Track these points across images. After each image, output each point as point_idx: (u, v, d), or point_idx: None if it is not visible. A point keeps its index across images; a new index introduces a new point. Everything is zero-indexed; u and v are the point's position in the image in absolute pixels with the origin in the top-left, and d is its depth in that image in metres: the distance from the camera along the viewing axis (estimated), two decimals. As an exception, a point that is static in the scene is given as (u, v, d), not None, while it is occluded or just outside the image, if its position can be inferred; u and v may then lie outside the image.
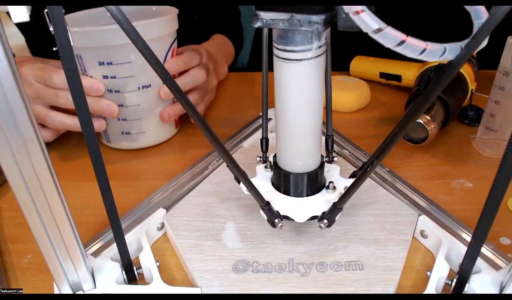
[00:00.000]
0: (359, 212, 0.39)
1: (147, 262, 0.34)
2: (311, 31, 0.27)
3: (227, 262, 0.35)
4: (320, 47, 0.28)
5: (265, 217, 0.34)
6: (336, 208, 0.33)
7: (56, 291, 0.30)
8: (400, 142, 0.51)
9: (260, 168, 0.37)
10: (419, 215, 0.38)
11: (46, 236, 0.27)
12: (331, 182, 0.34)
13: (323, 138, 0.39)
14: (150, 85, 0.49)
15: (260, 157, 0.38)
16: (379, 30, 0.22)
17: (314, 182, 0.34)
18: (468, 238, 0.35)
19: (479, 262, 0.33)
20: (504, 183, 0.25)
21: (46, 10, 0.22)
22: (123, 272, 0.33)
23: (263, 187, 0.35)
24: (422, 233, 0.38)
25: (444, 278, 0.32)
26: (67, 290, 0.30)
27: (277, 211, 0.34)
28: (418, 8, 0.74)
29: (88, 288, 0.31)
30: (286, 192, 0.34)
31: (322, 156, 0.35)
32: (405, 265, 0.35)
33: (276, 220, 0.33)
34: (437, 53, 0.22)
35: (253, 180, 0.34)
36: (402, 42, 0.22)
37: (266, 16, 0.26)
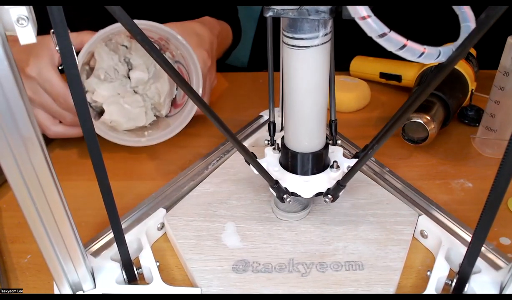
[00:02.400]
0: (359, 212, 0.39)
1: (147, 262, 0.34)
2: (318, 20, 0.29)
3: (227, 262, 0.35)
4: (326, 34, 0.30)
5: (274, 194, 0.36)
6: (339, 185, 0.35)
7: (56, 291, 0.30)
8: (400, 142, 0.51)
9: (269, 150, 0.39)
10: (419, 215, 0.38)
11: (46, 236, 0.27)
12: (335, 161, 0.36)
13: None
14: None
15: (268, 140, 0.41)
16: (383, 35, 0.23)
17: (319, 161, 0.36)
18: (468, 238, 0.35)
19: (479, 262, 0.33)
20: (504, 183, 0.25)
21: (52, 31, 0.22)
22: (123, 272, 0.33)
23: (272, 167, 0.37)
24: (422, 233, 0.38)
25: (444, 278, 0.32)
26: (67, 290, 0.30)
27: (285, 188, 0.36)
28: (410, 8, 0.74)
29: (88, 288, 0.31)
30: (294, 171, 0.36)
31: (326, 137, 0.37)
32: (405, 265, 0.35)
33: (285, 196, 0.36)
34: (433, 56, 0.24)
35: (261, 161, 0.36)
36: (404, 46, 0.23)
37: (276, 6, 0.28)
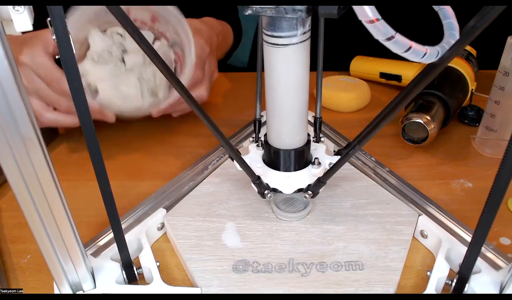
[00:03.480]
0: (359, 212, 0.39)
1: (147, 262, 0.34)
2: (296, 18, 0.29)
3: (227, 262, 0.35)
4: (304, 33, 0.31)
5: (256, 189, 0.37)
6: (320, 182, 0.36)
7: (56, 291, 0.30)
8: (400, 142, 0.51)
9: (252, 147, 0.40)
10: (419, 215, 0.38)
11: (46, 236, 0.27)
12: (316, 158, 0.37)
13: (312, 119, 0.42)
14: None
15: (253, 137, 0.41)
16: (391, 38, 0.23)
17: (301, 158, 0.37)
18: (468, 238, 0.35)
19: (479, 262, 0.33)
20: (504, 183, 0.25)
21: (48, 19, 0.22)
22: (123, 272, 0.33)
23: (255, 163, 0.38)
24: (422, 233, 0.38)
25: (444, 278, 0.32)
26: (67, 290, 0.30)
27: (267, 184, 0.37)
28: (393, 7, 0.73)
29: (88, 288, 0.31)
30: (276, 168, 0.37)
31: (308, 134, 0.37)
32: (405, 265, 0.35)
33: (266, 192, 0.36)
34: (433, 55, 0.24)
35: (245, 158, 0.37)
36: (409, 48, 0.23)
37: (255, 4, 0.29)
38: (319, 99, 0.40)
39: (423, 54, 0.23)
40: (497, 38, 0.50)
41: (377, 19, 0.22)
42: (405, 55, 0.23)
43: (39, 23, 0.25)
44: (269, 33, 0.31)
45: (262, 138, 0.39)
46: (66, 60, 0.24)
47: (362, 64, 0.71)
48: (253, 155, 0.39)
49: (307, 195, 0.36)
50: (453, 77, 0.55)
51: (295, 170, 0.37)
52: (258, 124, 0.42)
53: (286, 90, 0.33)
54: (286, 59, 0.32)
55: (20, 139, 0.23)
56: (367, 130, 0.32)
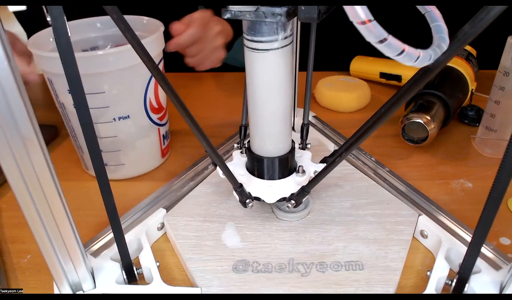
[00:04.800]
0: (359, 212, 0.39)
1: (147, 262, 0.34)
2: (276, 23, 0.28)
3: (227, 262, 0.35)
4: (285, 38, 0.30)
5: (237, 198, 0.36)
6: (303, 191, 0.34)
7: (56, 291, 0.30)
8: (400, 142, 0.51)
9: (237, 153, 0.39)
10: (419, 215, 0.38)
11: (46, 236, 0.27)
12: (300, 166, 0.36)
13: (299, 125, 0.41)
14: (128, 116, 0.44)
15: (238, 144, 0.40)
16: (384, 40, 0.22)
17: (284, 166, 0.36)
18: (468, 238, 0.35)
19: (479, 262, 0.33)
20: (504, 183, 0.25)
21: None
22: (123, 272, 0.33)
23: (238, 171, 0.37)
24: (422, 233, 0.38)
25: (444, 278, 0.32)
26: (67, 290, 0.30)
27: (249, 193, 0.36)
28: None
29: (88, 288, 0.31)
30: (259, 176, 0.36)
31: (293, 141, 0.36)
32: (405, 265, 0.35)
33: (247, 201, 0.36)
34: (426, 58, 0.23)
35: (228, 164, 0.36)
36: (402, 51, 0.22)
37: (234, 8, 0.28)
38: (307, 104, 0.39)
39: (416, 58, 0.23)
40: (497, 38, 0.50)
41: (369, 20, 0.21)
42: (397, 58, 0.22)
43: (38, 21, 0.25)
44: (249, 37, 0.30)
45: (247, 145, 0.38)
46: (66, 60, 0.24)
47: (362, 64, 0.71)
48: (237, 162, 0.38)
49: (290, 205, 0.35)
50: (453, 77, 0.55)
51: (279, 178, 0.36)
52: (243, 130, 0.40)
53: (267, 96, 0.32)
54: (267, 65, 0.31)
55: (20, 139, 0.23)
56: (354, 138, 0.32)
